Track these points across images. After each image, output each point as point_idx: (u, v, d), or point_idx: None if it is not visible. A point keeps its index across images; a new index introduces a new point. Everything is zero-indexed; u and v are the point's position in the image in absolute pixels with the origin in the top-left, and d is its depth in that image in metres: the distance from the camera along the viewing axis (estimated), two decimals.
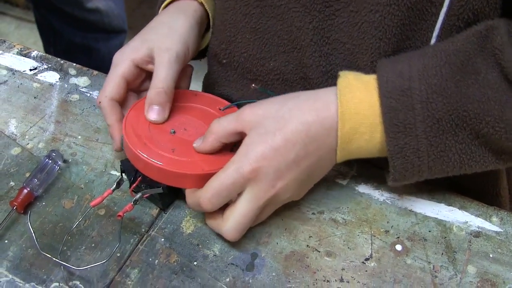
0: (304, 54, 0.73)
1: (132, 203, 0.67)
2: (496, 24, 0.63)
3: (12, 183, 0.73)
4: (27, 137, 0.79)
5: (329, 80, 0.73)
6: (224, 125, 0.67)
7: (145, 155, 0.67)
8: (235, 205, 0.64)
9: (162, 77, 0.71)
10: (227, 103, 0.76)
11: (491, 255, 0.68)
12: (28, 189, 0.70)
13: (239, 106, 0.76)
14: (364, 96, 0.64)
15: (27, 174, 0.73)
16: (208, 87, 0.87)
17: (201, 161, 0.67)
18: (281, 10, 0.72)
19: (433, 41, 0.68)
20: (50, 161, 0.72)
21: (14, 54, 0.92)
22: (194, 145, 0.69)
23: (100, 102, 0.73)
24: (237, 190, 0.64)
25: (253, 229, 0.69)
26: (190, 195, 0.67)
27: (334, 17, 0.69)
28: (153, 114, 0.71)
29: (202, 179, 0.66)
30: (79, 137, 0.79)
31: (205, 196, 0.64)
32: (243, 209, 0.64)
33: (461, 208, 0.72)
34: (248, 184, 0.63)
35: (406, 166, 0.65)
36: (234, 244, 0.68)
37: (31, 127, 0.80)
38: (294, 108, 0.65)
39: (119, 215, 0.66)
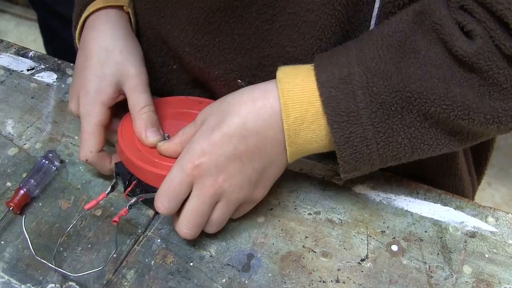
0: (250, 57, 0.72)
1: (127, 207, 0.67)
2: (431, 1, 0.61)
3: (8, 184, 0.73)
4: (24, 137, 0.79)
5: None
6: (185, 132, 0.67)
7: (140, 160, 0.67)
8: (185, 202, 0.65)
9: (143, 100, 0.71)
10: None
11: (486, 255, 0.68)
12: (25, 189, 0.70)
13: None
14: (305, 83, 0.62)
15: (24, 175, 0.74)
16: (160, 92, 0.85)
17: None
18: (217, 23, 0.71)
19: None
20: (47, 162, 0.72)
21: (11, 54, 0.92)
22: (159, 143, 0.69)
23: (86, 160, 0.71)
24: (186, 189, 0.64)
25: (250, 230, 0.69)
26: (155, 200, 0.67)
27: (272, 22, 0.69)
28: (153, 136, 0.70)
29: None
30: (76, 137, 0.79)
31: (158, 199, 0.64)
32: (190, 205, 0.64)
33: (457, 208, 0.72)
34: (194, 181, 0.63)
35: (355, 156, 0.62)
36: (230, 245, 0.68)
37: (28, 127, 0.80)
38: (232, 101, 0.64)
39: (115, 220, 0.66)
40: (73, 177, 0.74)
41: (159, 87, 0.83)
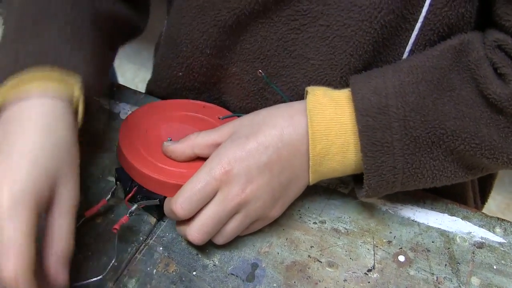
0: (268, 63, 0.72)
1: (127, 214, 0.65)
2: (470, 38, 0.63)
3: None
4: None
5: (287, 92, 0.72)
6: (202, 135, 0.66)
7: (142, 166, 0.66)
8: (204, 207, 0.63)
9: (70, 224, 0.56)
10: (229, 113, 0.75)
11: (494, 267, 0.67)
12: None
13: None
14: (335, 115, 0.63)
15: None
16: (162, 93, 0.82)
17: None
18: (244, 24, 0.70)
19: (405, 55, 0.67)
20: None
21: None
22: (164, 143, 0.67)
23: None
24: (210, 194, 0.62)
25: (254, 239, 0.68)
26: (166, 203, 0.65)
27: (299, 32, 0.68)
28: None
29: None
30: None
31: (177, 201, 0.62)
32: (210, 210, 0.62)
33: (464, 218, 0.71)
34: (220, 187, 0.62)
35: (381, 183, 0.64)
36: (234, 254, 0.66)
37: None
38: (267, 115, 0.65)
39: (115, 228, 0.64)
40: None
41: (162, 88, 0.81)
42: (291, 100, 0.70)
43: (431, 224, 0.70)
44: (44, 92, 0.58)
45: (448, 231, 0.69)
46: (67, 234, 0.55)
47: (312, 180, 0.65)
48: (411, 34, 0.65)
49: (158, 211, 0.69)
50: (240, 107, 0.76)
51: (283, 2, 0.66)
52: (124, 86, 0.82)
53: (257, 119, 0.64)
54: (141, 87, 0.87)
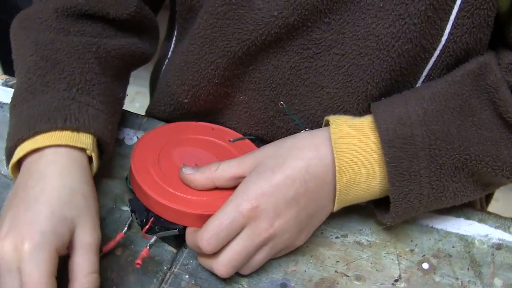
0: (280, 92, 0.71)
1: (147, 247, 0.64)
2: (487, 60, 0.64)
3: None
4: None
5: (302, 120, 0.72)
6: (224, 168, 0.65)
7: (159, 196, 0.64)
8: (231, 241, 0.62)
9: (94, 264, 0.58)
10: (239, 135, 0.74)
11: None
12: None
13: (253, 140, 0.74)
14: (360, 145, 0.63)
15: None
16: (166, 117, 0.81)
17: (217, 199, 0.65)
18: (255, 54, 0.69)
19: (421, 79, 0.68)
20: None
21: None
22: (183, 170, 0.66)
23: None
24: (237, 230, 0.61)
25: (279, 258, 0.67)
26: (190, 235, 0.64)
27: (313, 60, 0.68)
28: None
29: None
30: None
31: (204, 237, 0.61)
32: (238, 245, 0.61)
33: (480, 221, 0.72)
34: (247, 223, 0.61)
35: (407, 209, 0.65)
36: (261, 276, 0.66)
37: None
38: (292, 146, 0.64)
39: (138, 263, 0.63)
40: None
41: (166, 113, 0.80)
42: (307, 129, 0.70)
43: (449, 230, 0.71)
44: (59, 143, 0.62)
45: (467, 235, 0.71)
46: (88, 272, 0.57)
47: (337, 208, 0.65)
48: (429, 61, 0.66)
49: (177, 241, 0.68)
50: (248, 134, 0.76)
51: (296, 32, 0.66)
52: (124, 110, 0.80)
53: (282, 151, 0.63)
54: (140, 111, 0.85)
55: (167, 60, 0.82)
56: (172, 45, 0.81)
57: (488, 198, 0.94)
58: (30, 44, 0.67)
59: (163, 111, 0.79)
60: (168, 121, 0.79)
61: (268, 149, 0.65)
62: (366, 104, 0.67)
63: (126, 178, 0.70)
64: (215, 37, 0.68)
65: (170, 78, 0.77)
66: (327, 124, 0.66)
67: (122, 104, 0.75)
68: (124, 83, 0.76)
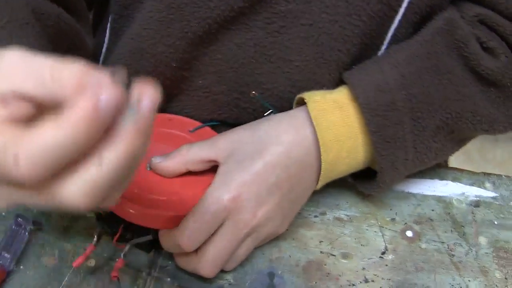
0: (244, 72, 0.67)
1: (122, 257, 0.60)
2: (451, 15, 0.62)
3: None
4: None
5: (270, 98, 0.68)
6: (195, 151, 0.61)
7: (128, 202, 0.59)
8: (213, 237, 0.58)
9: None
10: (198, 123, 0.70)
11: (495, 222, 0.68)
12: None
13: (213, 127, 0.70)
14: (341, 120, 0.61)
15: None
16: None
17: (190, 197, 0.60)
18: (216, 33, 0.64)
19: (387, 40, 0.65)
20: (18, 228, 0.62)
21: None
22: (153, 160, 0.62)
23: None
24: (218, 223, 0.58)
25: (262, 246, 0.64)
26: (166, 237, 0.60)
27: (278, 34, 0.64)
28: None
29: None
30: None
31: (185, 235, 0.57)
32: (222, 241, 0.58)
33: (454, 180, 0.72)
34: (229, 215, 0.58)
35: (394, 177, 0.63)
36: (246, 267, 0.63)
37: None
38: (270, 130, 0.60)
39: (114, 276, 0.59)
40: (49, 228, 0.65)
41: None
42: (278, 108, 0.67)
43: (425, 193, 0.70)
44: None
45: (444, 196, 0.70)
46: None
47: (319, 186, 0.63)
48: (394, 20, 0.63)
49: (150, 246, 0.64)
50: (210, 120, 0.71)
51: (258, 5, 0.62)
52: None
53: (259, 135, 0.60)
54: None
55: (103, 54, 0.76)
56: (107, 38, 0.75)
57: None
58: None
59: None
60: None
61: (243, 133, 0.61)
62: (337, 73, 0.65)
63: None
64: (172, 19, 0.63)
65: (123, 66, 0.71)
66: (300, 102, 0.64)
67: None
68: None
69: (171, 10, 0.63)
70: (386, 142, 0.60)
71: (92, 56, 0.80)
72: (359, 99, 0.60)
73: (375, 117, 0.59)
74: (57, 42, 0.66)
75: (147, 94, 0.35)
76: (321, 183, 0.62)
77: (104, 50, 0.76)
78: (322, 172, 0.61)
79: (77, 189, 0.34)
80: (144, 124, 0.35)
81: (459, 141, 0.67)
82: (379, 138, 0.60)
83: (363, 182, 0.66)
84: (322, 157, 0.60)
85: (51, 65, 0.34)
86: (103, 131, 0.34)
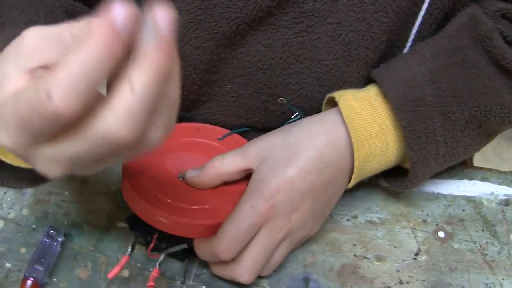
0: (272, 73, 0.67)
1: (157, 267, 0.59)
2: (475, 11, 0.63)
3: (8, 265, 0.63)
4: (5, 205, 0.67)
5: (299, 99, 0.68)
6: (228, 162, 0.61)
7: (163, 211, 0.58)
8: (249, 244, 0.58)
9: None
10: (226, 131, 0.70)
11: None
12: (32, 279, 0.60)
13: (241, 133, 0.70)
14: (372, 117, 0.61)
15: (22, 250, 0.63)
16: None
17: (222, 204, 0.61)
18: (244, 34, 0.64)
19: (411, 37, 0.66)
20: (50, 240, 0.62)
21: None
22: (188, 174, 0.62)
23: None
24: (255, 231, 0.58)
25: (295, 252, 0.64)
26: (202, 246, 0.60)
27: (306, 34, 0.64)
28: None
29: None
30: (66, 192, 0.69)
31: (223, 244, 0.57)
32: (258, 247, 0.58)
33: (483, 179, 0.71)
34: (265, 222, 0.58)
35: (426, 172, 0.63)
36: (281, 273, 0.63)
37: (5, 193, 0.68)
38: (301, 134, 0.60)
39: (151, 286, 0.58)
40: (81, 239, 0.65)
41: None
42: (306, 110, 0.67)
43: (455, 193, 0.70)
44: None
45: (473, 196, 0.70)
46: None
47: (351, 185, 0.63)
48: (418, 15, 0.63)
49: (184, 254, 0.63)
50: (238, 125, 0.71)
51: (286, 4, 0.62)
52: None
53: (290, 140, 0.60)
54: None
55: None
56: None
57: None
58: None
59: None
60: None
61: (274, 139, 0.61)
62: (366, 71, 0.65)
63: (118, 193, 0.65)
64: (201, 20, 0.63)
65: None
66: (329, 101, 0.64)
67: None
68: None
69: (199, 11, 0.63)
70: (418, 137, 0.60)
71: None
72: (389, 94, 0.60)
73: (406, 113, 0.59)
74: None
75: (162, 12, 0.34)
76: (353, 182, 0.62)
77: None
78: (355, 170, 0.60)
79: (117, 120, 0.33)
80: (165, 41, 0.34)
81: (487, 136, 0.67)
82: (411, 133, 0.60)
83: (394, 180, 0.66)
84: (354, 154, 0.60)
85: (67, 28, 0.36)
86: (125, 49, 0.33)
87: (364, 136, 0.60)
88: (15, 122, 0.34)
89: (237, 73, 0.67)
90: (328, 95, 0.63)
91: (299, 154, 0.59)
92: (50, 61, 0.36)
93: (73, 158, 0.36)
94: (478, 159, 0.98)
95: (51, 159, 0.36)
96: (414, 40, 0.66)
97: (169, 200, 0.60)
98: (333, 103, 0.63)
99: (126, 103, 0.33)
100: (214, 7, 0.62)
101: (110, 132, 0.34)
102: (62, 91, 0.32)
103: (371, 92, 0.62)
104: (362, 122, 0.60)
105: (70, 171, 0.38)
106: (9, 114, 0.35)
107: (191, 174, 0.61)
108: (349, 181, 0.62)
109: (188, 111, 0.72)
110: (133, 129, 0.34)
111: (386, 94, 0.60)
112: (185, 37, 0.65)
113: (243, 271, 0.58)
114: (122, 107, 0.33)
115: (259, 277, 0.62)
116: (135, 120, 0.34)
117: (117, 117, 0.33)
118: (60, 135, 0.35)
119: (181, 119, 0.72)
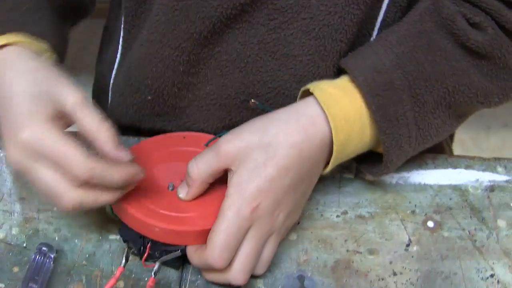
0: (249, 71, 0.68)
1: (153, 276, 0.59)
2: None
3: (1, 285, 0.62)
4: None
5: (277, 97, 0.69)
6: (204, 168, 0.60)
7: (155, 221, 0.59)
8: (239, 247, 0.59)
9: (98, 114, 0.56)
10: (211, 136, 0.70)
11: (511, 204, 0.69)
12: None
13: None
14: (349, 103, 0.61)
15: (15, 269, 0.63)
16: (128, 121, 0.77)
17: (209, 210, 0.61)
18: (220, 33, 0.66)
19: (377, 25, 0.67)
20: (42, 258, 0.62)
21: None
22: (181, 195, 0.62)
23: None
24: (243, 235, 0.58)
25: (288, 251, 0.65)
26: (194, 254, 0.60)
27: (280, 30, 0.65)
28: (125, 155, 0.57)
29: None
30: (55, 209, 0.68)
31: (215, 254, 0.57)
32: (248, 248, 0.58)
33: (467, 167, 0.72)
34: (252, 224, 0.58)
35: (400, 156, 0.64)
36: (275, 273, 0.63)
37: None
38: (279, 132, 0.59)
39: None
40: (73, 254, 0.65)
41: (128, 115, 0.75)
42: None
43: (441, 183, 0.71)
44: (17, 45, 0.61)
45: (459, 184, 0.71)
46: (96, 122, 0.55)
47: (330, 169, 0.63)
48: (383, 4, 0.65)
49: (179, 262, 0.64)
50: (222, 128, 0.71)
51: (260, 1, 0.63)
52: None
53: (268, 139, 0.59)
54: None
55: (116, 64, 0.76)
56: (120, 47, 0.75)
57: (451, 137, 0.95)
58: None
59: (125, 114, 0.75)
60: (128, 128, 0.75)
61: (251, 137, 0.59)
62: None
63: (108, 206, 0.65)
64: (177, 20, 0.64)
65: (132, 75, 0.72)
66: (304, 95, 0.63)
67: (67, 43, 0.72)
68: (68, 29, 0.75)
69: (176, 12, 0.64)
70: (389, 120, 0.61)
71: (107, 70, 0.81)
72: (357, 81, 0.61)
73: (376, 97, 0.60)
74: (65, 16, 0.73)
75: None
76: (331, 166, 0.62)
77: (116, 65, 0.77)
78: (334, 153, 0.61)
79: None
80: None
81: (458, 117, 0.67)
82: (382, 117, 0.61)
83: (370, 167, 0.67)
84: (333, 139, 0.60)
85: None
86: None
87: (342, 122, 0.60)
88: None
89: (215, 73, 0.68)
90: (302, 88, 0.63)
91: (278, 154, 0.58)
92: None
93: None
94: (458, 151, 0.99)
95: None
96: (380, 29, 0.67)
97: (159, 210, 0.60)
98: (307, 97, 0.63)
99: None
100: (190, 7, 0.63)
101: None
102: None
103: (343, 80, 0.62)
104: (341, 108, 0.60)
105: None
106: None
107: (183, 194, 0.62)
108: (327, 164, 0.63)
109: (169, 121, 0.73)
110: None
111: (355, 81, 0.61)
112: (164, 38, 0.66)
113: (237, 273, 0.58)
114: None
115: (255, 277, 0.62)
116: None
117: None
118: None
119: (164, 131, 0.72)
